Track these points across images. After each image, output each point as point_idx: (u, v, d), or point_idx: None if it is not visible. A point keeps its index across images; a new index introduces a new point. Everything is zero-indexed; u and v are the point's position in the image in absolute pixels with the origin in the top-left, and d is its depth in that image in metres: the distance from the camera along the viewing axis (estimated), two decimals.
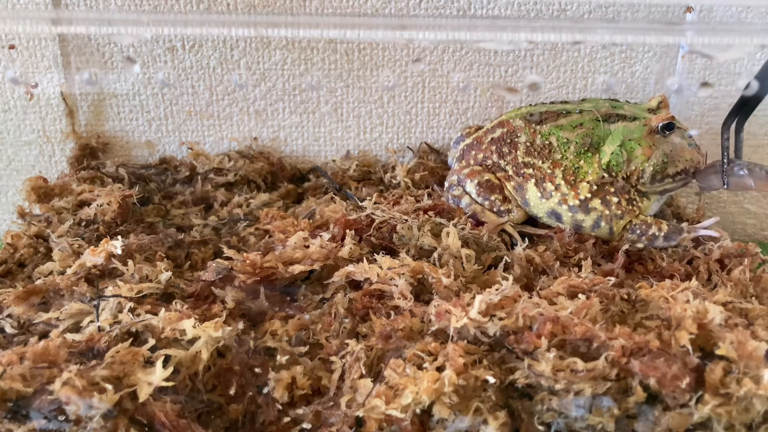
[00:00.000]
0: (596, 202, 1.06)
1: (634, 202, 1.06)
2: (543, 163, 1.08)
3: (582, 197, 1.06)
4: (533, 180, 1.09)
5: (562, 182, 1.07)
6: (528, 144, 1.10)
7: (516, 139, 1.11)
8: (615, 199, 1.05)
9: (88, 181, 1.23)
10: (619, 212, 1.05)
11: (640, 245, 1.05)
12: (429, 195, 1.18)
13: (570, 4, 1.22)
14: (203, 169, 1.30)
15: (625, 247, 1.03)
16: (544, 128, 1.09)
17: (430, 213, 1.05)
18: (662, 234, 1.04)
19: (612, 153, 1.06)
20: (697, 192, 1.33)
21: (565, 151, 1.08)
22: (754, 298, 0.92)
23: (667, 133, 1.05)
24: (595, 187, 1.06)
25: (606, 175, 1.06)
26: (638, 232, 1.04)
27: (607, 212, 1.05)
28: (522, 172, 1.10)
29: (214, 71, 1.30)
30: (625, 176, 1.06)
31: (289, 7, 1.25)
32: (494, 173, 1.12)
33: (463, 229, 1.00)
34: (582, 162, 1.07)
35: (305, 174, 1.37)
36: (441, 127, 1.36)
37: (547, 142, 1.09)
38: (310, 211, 1.15)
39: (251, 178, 1.31)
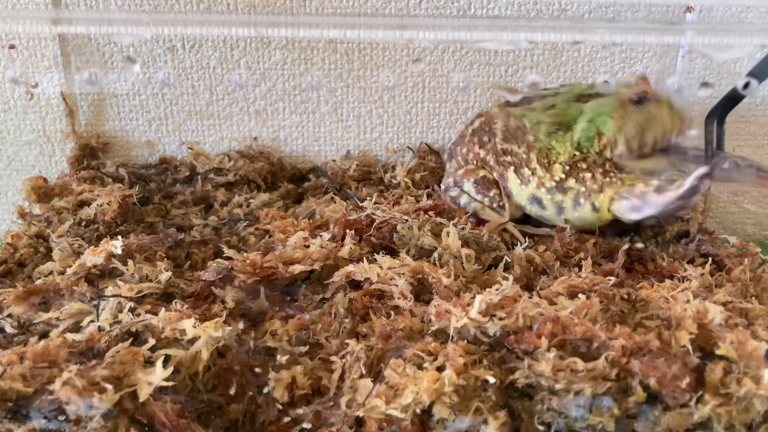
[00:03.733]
0: (571, 182, 1.05)
1: (612, 174, 1.03)
2: (519, 147, 1.08)
3: (557, 178, 1.05)
4: (512, 167, 1.08)
5: (537, 166, 1.06)
6: (504, 129, 1.09)
7: (493, 126, 1.11)
8: (588, 175, 1.04)
9: (88, 181, 1.23)
10: (596, 186, 1.03)
11: (633, 214, 0.99)
12: (429, 195, 1.18)
13: (570, 4, 1.22)
14: (203, 169, 1.30)
15: (632, 217, 1.01)
16: (516, 111, 1.09)
17: (431, 213, 1.05)
18: (651, 189, 0.98)
19: (581, 129, 1.04)
20: (704, 194, 1.33)
21: (537, 132, 1.07)
22: (754, 298, 0.92)
23: (641, 104, 1.03)
24: (568, 167, 1.05)
25: (577, 153, 1.05)
26: (625, 194, 1.00)
27: (583, 189, 1.04)
28: (501, 160, 1.09)
29: (214, 71, 1.30)
30: (597, 150, 1.04)
31: (289, 7, 1.25)
32: (486, 168, 1.12)
33: (463, 228, 1.00)
34: (554, 143, 1.06)
35: (305, 174, 1.37)
36: (441, 127, 1.36)
37: (520, 124, 1.08)
38: (310, 211, 1.15)
39: (251, 178, 1.31)
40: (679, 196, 0.95)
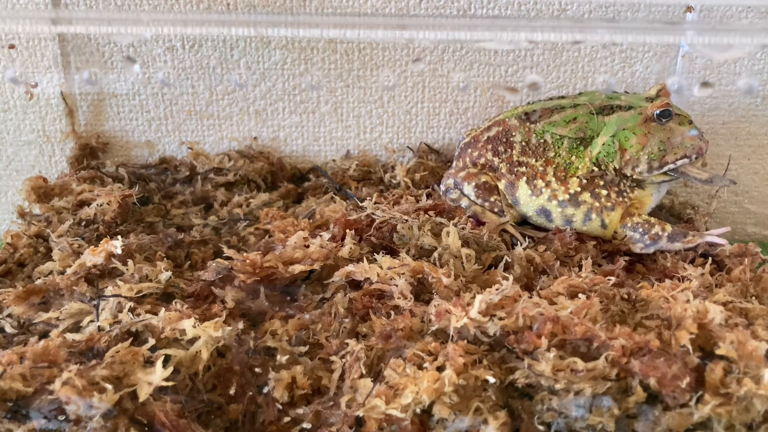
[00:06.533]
0: (586, 195, 1.06)
1: (624, 194, 1.06)
2: (536, 161, 1.09)
3: (572, 191, 1.06)
4: (525, 177, 1.09)
5: (553, 179, 1.07)
6: (524, 143, 1.10)
7: (511, 138, 1.11)
8: (604, 192, 1.05)
9: (88, 180, 1.23)
10: (609, 204, 1.05)
11: (640, 245, 1.04)
12: (429, 195, 1.18)
13: (570, 4, 1.22)
14: (203, 169, 1.30)
15: (636, 249, 1.04)
16: (538, 126, 1.09)
17: (431, 213, 1.05)
18: (666, 234, 1.03)
19: (603, 144, 1.05)
20: (711, 196, 1.33)
21: (558, 148, 1.07)
22: (754, 298, 0.92)
23: (664, 120, 1.04)
24: (584, 181, 1.06)
25: (596, 168, 1.06)
26: (640, 230, 1.04)
27: (597, 204, 1.05)
28: (515, 170, 1.10)
29: (214, 71, 1.30)
30: (617, 167, 1.05)
31: (289, 7, 1.25)
32: (489, 174, 1.12)
33: (463, 228, 1.00)
34: (574, 157, 1.07)
35: (305, 174, 1.37)
36: (441, 127, 1.36)
37: (542, 140, 1.08)
38: (310, 210, 1.15)
39: (251, 178, 1.31)
40: (686, 248, 1.05)
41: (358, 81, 1.31)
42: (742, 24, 1.21)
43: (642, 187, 1.08)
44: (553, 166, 1.07)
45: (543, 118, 1.09)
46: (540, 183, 1.08)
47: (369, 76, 1.31)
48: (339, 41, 1.27)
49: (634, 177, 1.06)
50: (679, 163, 1.04)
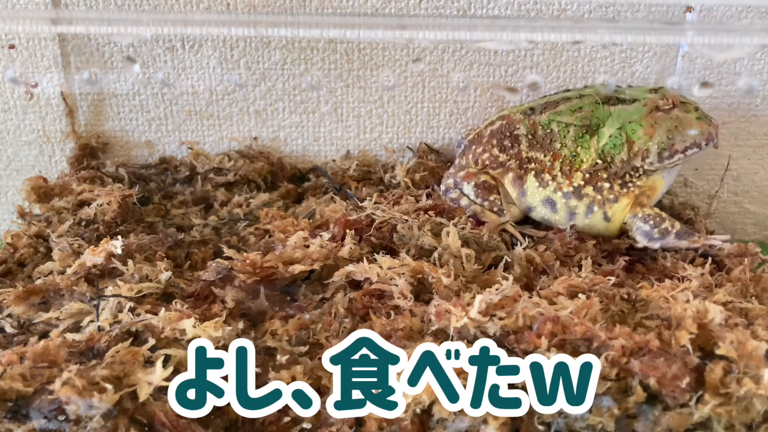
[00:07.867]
0: (588, 189, 1.06)
1: (630, 185, 1.06)
2: (545, 156, 1.09)
3: (576, 184, 1.06)
4: (533, 172, 1.09)
5: (559, 173, 1.08)
6: (529, 137, 1.10)
7: (516, 132, 1.11)
8: (607, 185, 1.06)
9: (88, 180, 1.23)
10: (612, 196, 1.05)
11: (648, 238, 1.04)
12: (429, 195, 1.18)
13: (570, 4, 1.22)
14: (203, 169, 1.30)
15: (642, 242, 1.04)
16: (543, 117, 1.09)
17: (431, 213, 1.05)
18: (674, 231, 1.03)
19: (610, 136, 1.05)
20: (711, 196, 1.33)
21: (564, 137, 1.07)
22: (754, 297, 0.92)
23: (669, 109, 1.04)
24: (588, 175, 1.06)
25: (600, 161, 1.06)
26: (651, 223, 1.04)
27: (599, 197, 1.06)
28: (525, 166, 1.10)
29: (214, 71, 1.30)
30: (625, 158, 1.05)
31: (289, 7, 1.25)
32: (489, 173, 1.12)
33: (463, 228, 1.00)
34: (579, 149, 1.07)
35: (305, 174, 1.37)
36: (441, 127, 1.36)
37: (548, 131, 1.09)
38: (310, 211, 1.15)
39: (251, 178, 1.31)
40: (691, 247, 1.04)
41: (358, 81, 1.31)
42: (742, 24, 1.21)
43: (651, 174, 1.07)
44: (560, 159, 1.08)
45: (548, 110, 1.10)
46: (546, 176, 1.08)
47: (369, 76, 1.31)
48: (339, 41, 1.27)
49: (645, 168, 1.06)
50: (689, 152, 1.04)
